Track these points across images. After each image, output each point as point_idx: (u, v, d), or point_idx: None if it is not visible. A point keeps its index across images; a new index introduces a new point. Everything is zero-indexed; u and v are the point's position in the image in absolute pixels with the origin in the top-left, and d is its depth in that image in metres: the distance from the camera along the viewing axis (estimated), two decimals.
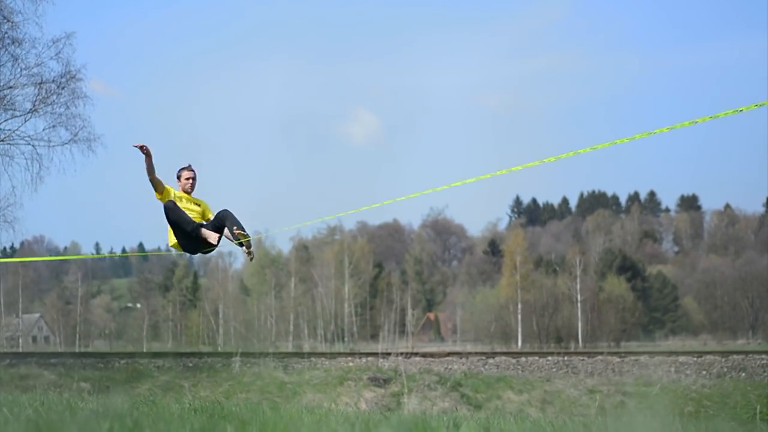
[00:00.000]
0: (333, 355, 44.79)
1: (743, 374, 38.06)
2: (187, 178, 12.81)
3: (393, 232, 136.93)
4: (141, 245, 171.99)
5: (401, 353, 44.06)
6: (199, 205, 12.86)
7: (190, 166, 12.89)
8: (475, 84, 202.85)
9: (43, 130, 39.68)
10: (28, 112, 39.42)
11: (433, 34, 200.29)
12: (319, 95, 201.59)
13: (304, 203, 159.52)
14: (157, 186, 12.54)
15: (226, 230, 12.56)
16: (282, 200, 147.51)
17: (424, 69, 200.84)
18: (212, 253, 13.30)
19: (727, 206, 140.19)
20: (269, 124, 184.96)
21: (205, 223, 12.60)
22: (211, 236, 12.51)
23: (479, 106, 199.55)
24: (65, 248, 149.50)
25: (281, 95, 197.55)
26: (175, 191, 12.70)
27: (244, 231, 12.42)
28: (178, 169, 12.91)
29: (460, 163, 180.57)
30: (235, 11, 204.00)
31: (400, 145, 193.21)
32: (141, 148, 12.26)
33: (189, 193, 12.80)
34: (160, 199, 12.56)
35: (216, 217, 12.60)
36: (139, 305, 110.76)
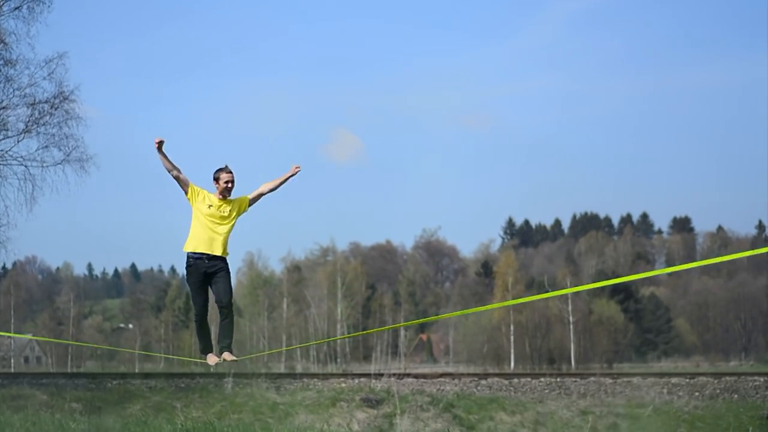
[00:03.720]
0: (325, 376, 44.70)
1: (736, 396, 38.02)
2: (226, 182, 12.20)
3: (386, 253, 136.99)
4: (133, 266, 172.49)
5: (394, 374, 44.00)
6: (231, 210, 12.28)
7: (227, 167, 12.29)
8: (457, 105, 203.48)
9: (36, 150, 39.75)
10: (21, 133, 39.46)
11: (415, 55, 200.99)
12: (301, 116, 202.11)
13: (292, 223, 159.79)
14: (181, 184, 12.22)
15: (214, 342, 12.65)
16: (270, 220, 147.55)
17: (406, 90, 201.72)
18: (213, 366, 13.04)
19: (720, 228, 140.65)
20: (253, 144, 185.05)
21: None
22: (211, 359, 12.68)
23: (461, 127, 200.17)
24: (57, 269, 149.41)
25: (265, 115, 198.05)
26: (207, 194, 12.23)
27: (231, 353, 12.56)
28: (215, 170, 12.32)
29: (444, 183, 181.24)
30: (221, 33, 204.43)
31: (382, 165, 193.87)
32: (158, 142, 11.90)
33: (225, 198, 12.26)
34: (189, 199, 12.27)
35: (219, 310, 12.46)
36: (131, 326, 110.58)
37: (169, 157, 12.05)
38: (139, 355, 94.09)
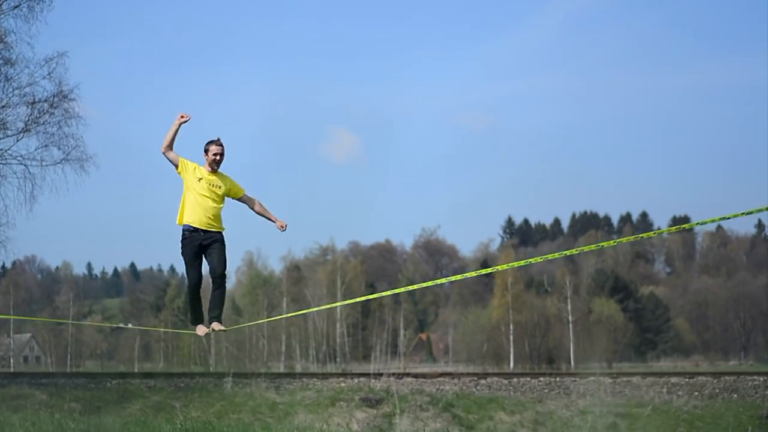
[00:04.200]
0: (325, 376, 44.68)
1: (735, 395, 38.02)
2: (215, 154, 12.19)
3: (385, 252, 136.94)
4: (133, 265, 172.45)
5: (393, 374, 43.98)
6: (221, 187, 12.28)
7: (219, 139, 12.26)
8: (454, 104, 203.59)
9: (36, 149, 39.74)
10: (21, 132, 39.44)
11: (411, 55, 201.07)
12: (297, 115, 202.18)
13: (291, 222, 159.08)
14: (171, 160, 12.25)
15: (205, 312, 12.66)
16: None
17: (404, 88, 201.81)
18: (202, 336, 12.99)
19: (719, 227, 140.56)
20: (252, 144, 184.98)
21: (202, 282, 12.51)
22: (200, 329, 12.66)
23: (460, 125, 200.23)
24: (57, 268, 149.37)
25: (261, 114, 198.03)
26: (197, 167, 12.24)
27: (220, 323, 12.52)
28: (206, 142, 12.30)
29: (444, 182, 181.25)
30: (220, 33, 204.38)
31: (380, 164, 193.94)
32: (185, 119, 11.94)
33: (215, 170, 12.26)
34: (180, 173, 12.29)
35: (213, 280, 12.48)
36: (130, 325, 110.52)
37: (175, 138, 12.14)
38: (139, 355, 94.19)
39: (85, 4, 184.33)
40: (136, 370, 74.84)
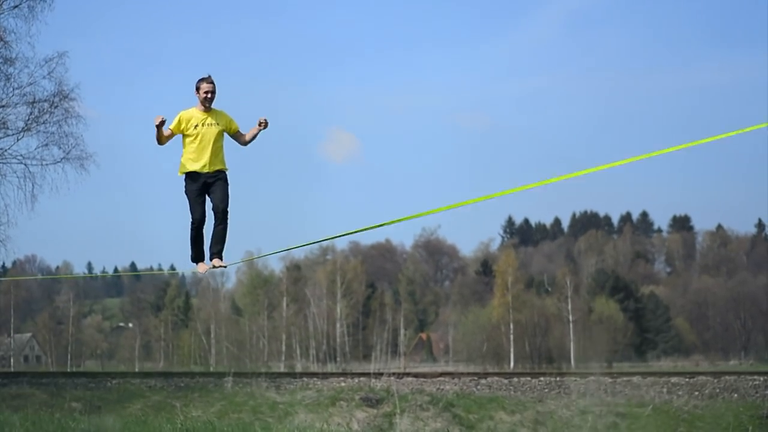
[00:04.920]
0: (325, 375, 44.69)
1: (735, 395, 38.01)
2: (206, 92, 12.05)
3: (385, 252, 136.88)
4: (133, 264, 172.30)
5: (393, 373, 44.00)
6: (218, 124, 12.14)
7: (209, 77, 12.12)
8: (453, 104, 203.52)
9: (36, 148, 39.71)
10: (21, 131, 39.43)
11: (412, 54, 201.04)
12: (297, 115, 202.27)
13: (291, 222, 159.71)
14: (173, 136, 12.19)
15: (206, 249, 12.60)
16: (269, 219, 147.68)
17: (402, 88, 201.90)
18: (203, 274, 13.16)
19: (719, 227, 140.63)
20: (249, 145, 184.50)
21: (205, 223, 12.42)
22: (201, 267, 12.65)
23: (459, 125, 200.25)
24: (57, 268, 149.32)
25: (261, 115, 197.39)
26: (192, 116, 12.11)
27: (221, 259, 12.50)
28: (197, 80, 12.13)
29: (443, 181, 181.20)
30: (218, 32, 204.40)
31: (379, 163, 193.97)
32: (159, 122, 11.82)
33: (207, 108, 12.14)
34: (180, 132, 12.17)
35: (215, 216, 12.39)
36: (130, 325, 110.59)
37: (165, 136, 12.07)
38: (139, 354, 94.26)
39: (84, 4, 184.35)
40: (136, 370, 74.94)
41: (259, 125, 12.35)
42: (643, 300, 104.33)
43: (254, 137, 12.46)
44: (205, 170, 12.18)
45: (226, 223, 12.49)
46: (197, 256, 12.73)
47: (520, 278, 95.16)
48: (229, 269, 12.65)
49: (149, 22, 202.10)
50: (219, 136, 12.24)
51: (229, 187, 12.41)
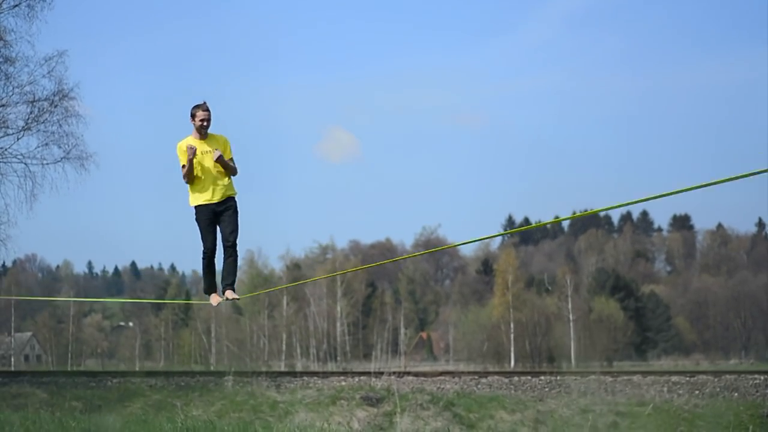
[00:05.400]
0: (325, 375, 44.72)
1: (736, 394, 38.02)
2: (201, 119, 12.03)
3: (385, 251, 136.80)
4: (134, 264, 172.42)
5: (394, 372, 44.00)
6: (216, 149, 12.09)
7: (204, 103, 12.11)
8: (453, 103, 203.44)
9: (36, 148, 39.79)
10: (21, 130, 39.48)
11: (411, 54, 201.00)
12: (295, 115, 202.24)
13: (291, 221, 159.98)
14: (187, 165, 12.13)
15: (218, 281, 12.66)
16: (269, 218, 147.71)
17: (401, 88, 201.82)
18: (216, 306, 13.12)
19: (720, 226, 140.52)
20: (249, 144, 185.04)
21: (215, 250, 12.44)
22: (214, 299, 12.73)
23: (458, 125, 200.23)
24: (57, 267, 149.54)
25: (260, 115, 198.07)
26: (183, 147, 12.05)
27: (234, 291, 12.52)
28: (192, 107, 12.12)
29: (443, 181, 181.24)
30: (217, 33, 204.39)
31: (378, 162, 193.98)
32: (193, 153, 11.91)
33: (203, 135, 12.09)
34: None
35: (224, 248, 12.40)
36: (131, 324, 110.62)
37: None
38: (140, 353, 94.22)
39: (84, 3, 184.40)
40: (136, 369, 74.91)
41: (217, 162, 12.14)
42: (643, 299, 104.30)
43: (230, 168, 12.25)
44: (214, 201, 12.20)
45: (236, 255, 12.53)
46: (209, 288, 12.81)
47: (521, 277, 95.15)
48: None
49: (149, 22, 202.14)
50: (224, 166, 12.21)
51: (239, 215, 12.40)
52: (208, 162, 12.10)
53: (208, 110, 12.10)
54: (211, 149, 12.10)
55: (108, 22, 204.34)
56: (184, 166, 12.03)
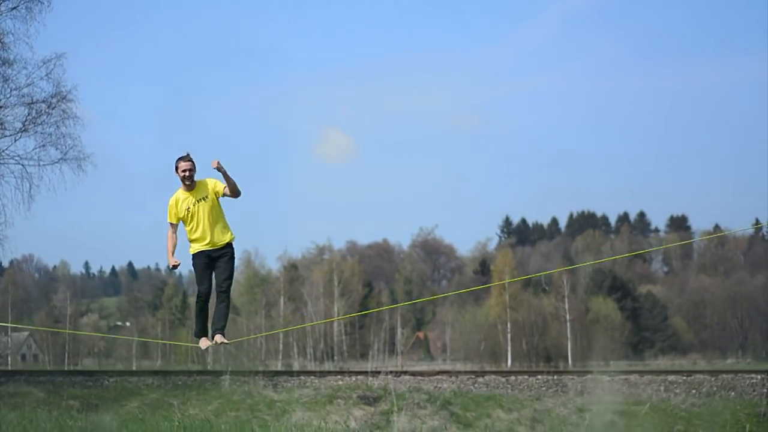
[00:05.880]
0: (322, 374, 44.72)
1: (733, 393, 38.08)
2: (184, 170, 12.10)
3: (382, 251, 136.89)
4: (130, 264, 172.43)
5: (391, 372, 44.03)
6: (207, 196, 12.17)
7: (188, 155, 12.16)
8: (452, 104, 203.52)
9: (33, 149, 39.76)
10: (19, 132, 39.46)
11: (409, 54, 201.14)
12: (293, 116, 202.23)
13: (288, 222, 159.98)
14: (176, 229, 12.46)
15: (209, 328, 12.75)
16: (267, 219, 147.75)
17: (399, 89, 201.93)
18: (204, 349, 13.21)
19: (717, 227, 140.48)
20: (248, 145, 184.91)
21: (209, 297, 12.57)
22: (203, 343, 12.79)
23: (454, 126, 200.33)
24: (54, 267, 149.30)
25: (259, 115, 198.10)
26: (178, 200, 12.20)
27: (223, 336, 12.56)
28: (175, 159, 12.20)
29: (441, 182, 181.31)
30: (216, 34, 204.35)
31: (375, 163, 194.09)
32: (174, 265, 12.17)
33: (189, 185, 12.15)
34: (174, 219, 12.41)
35: (217, 294, 12.50)
36: (128, 324, 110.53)
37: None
38: (137, 353, 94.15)
39: (82, 5, 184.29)
40: (133, 368, 74.86)
41: (218, 171, 12.10)
42: (640, 299, 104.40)
43: (232, 183, 12.21)
44: (212, 247, 12.32)
45: (228, 301, 12.63)
46: (200, 332, 12.87)
47: (517, 277, 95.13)
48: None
49: (147, 25, 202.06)
50: (212, 209, 12.28)
51: (235, 261, 12.58)
52: (202, 211, 12.22)
53: (190, 161, 12.16)
54: (201, 198, 12.22)
55: (106, 25, 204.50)
56: (172, 224, 12.28)
